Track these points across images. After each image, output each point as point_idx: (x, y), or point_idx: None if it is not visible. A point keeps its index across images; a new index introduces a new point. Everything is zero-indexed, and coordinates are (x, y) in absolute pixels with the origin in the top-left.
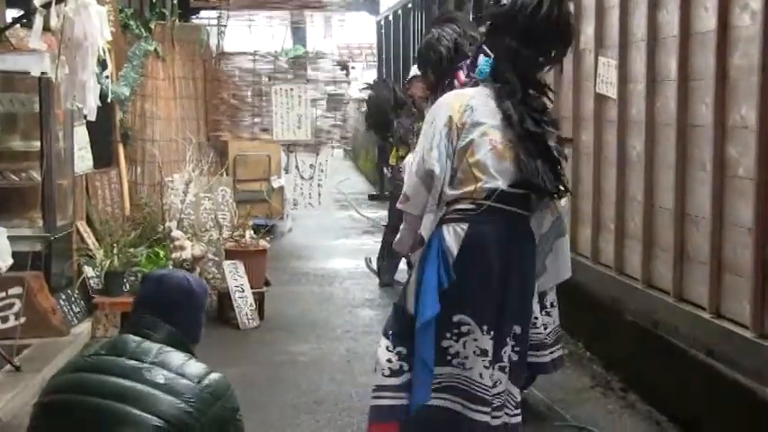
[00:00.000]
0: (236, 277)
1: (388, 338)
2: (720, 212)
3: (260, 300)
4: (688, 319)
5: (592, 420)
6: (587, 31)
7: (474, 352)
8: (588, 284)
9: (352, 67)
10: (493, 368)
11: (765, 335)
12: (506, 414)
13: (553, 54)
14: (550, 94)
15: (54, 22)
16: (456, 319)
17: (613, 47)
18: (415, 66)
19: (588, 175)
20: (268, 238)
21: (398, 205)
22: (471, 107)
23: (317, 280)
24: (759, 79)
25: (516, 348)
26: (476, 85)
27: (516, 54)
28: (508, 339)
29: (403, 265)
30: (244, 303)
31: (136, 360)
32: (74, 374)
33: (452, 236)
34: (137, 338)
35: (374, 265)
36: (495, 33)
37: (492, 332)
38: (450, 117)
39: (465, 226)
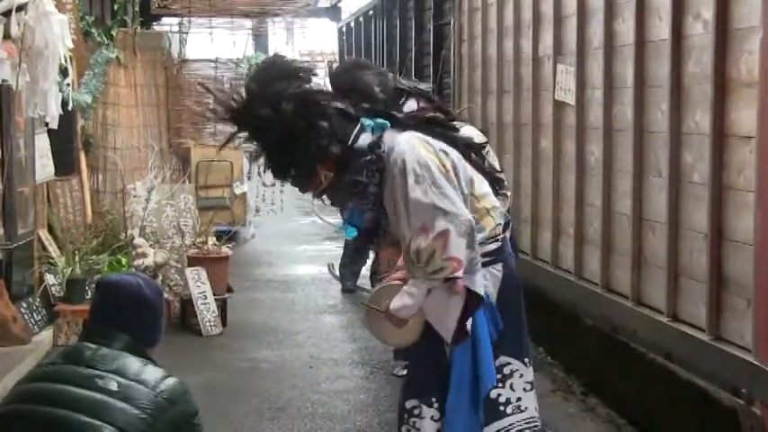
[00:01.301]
0: (198, 284)
1: (432, 407)
2: (676, 218)
3: (223, 306)
4: (646, 323)
5: (552, 424)
6: (546, 38)
7: (524, 389)
8: (549, 289)
9: (314, 74)
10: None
11: (721, 337)
12: None
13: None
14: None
15: (15, 30)
16: (497, 363)
17: (571, 54)
18: None
19: (548, 180)
20: (230, 245)
21: (456, 274)
22: (438, 147)
23: (280, 286)
24: (712, 87)
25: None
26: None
27: (369, 99)
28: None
29: (365, 270)
30: (206, 310)
31: (91, 368)
32: (29, 384)
33: (491, 281)
34: (93, 346)
35: (336, 271)
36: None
37: (529, 359)
38: (438, 167)
39: (500, 266)
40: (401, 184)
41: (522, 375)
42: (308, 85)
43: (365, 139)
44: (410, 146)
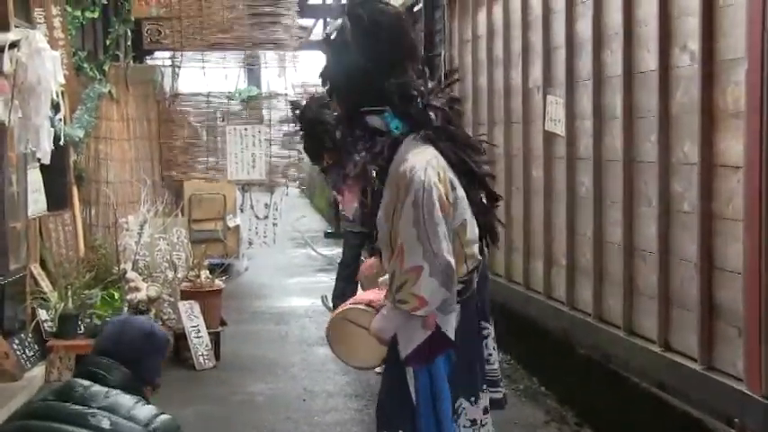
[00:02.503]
0: (191, 317)
1: None
2: (667, 247)
3: (216, 340)
4: (638, 353)
5: None
6: (535, 70)
7: (464, 426)
8: (541, 319)
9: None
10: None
11: (713, 367)
12: None
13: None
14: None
15: (7, 67)
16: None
17: (560, 85)
18: None
19: (539, 210)
20: (224, 278)
21: (416, 312)
22: (449, 178)
23: (274, 318)
24: (699, 117)
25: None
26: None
27: (408, 87)
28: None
29: None
30: (200, 343)
31: (82, 405)
32: (20, 422)
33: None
34: (85, 383)
35: (330, 303)
36: (371, 83)
37: (476, 397)
38: (440, 197)
39: (458, 308)
40: (401, 199)
41: (467, 414)
42: None
43: (375, 122)
44: (424, 165)
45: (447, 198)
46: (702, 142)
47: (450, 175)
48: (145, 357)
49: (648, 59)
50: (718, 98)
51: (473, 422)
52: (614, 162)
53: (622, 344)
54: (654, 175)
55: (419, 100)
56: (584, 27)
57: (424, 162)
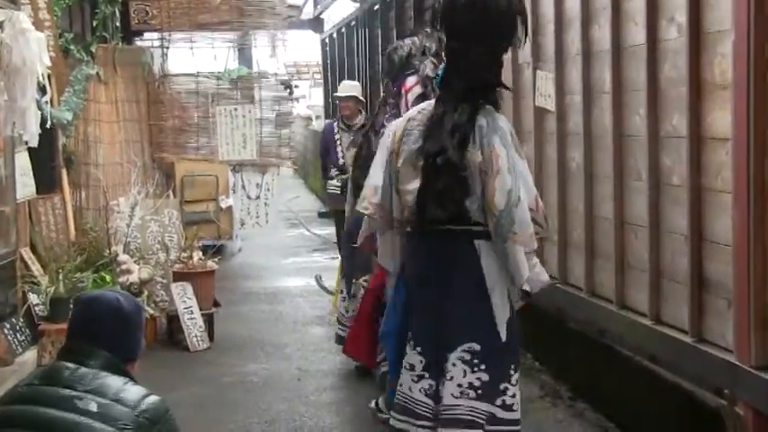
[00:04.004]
0: (184, 299)
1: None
2: (657, 221)
3: (209, 321)
4: (631, 327)
5: (541, 430)
6: (525, 46)
7: (405, 367)
8: (535, 295)
9: (296, 86)
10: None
11: (703, 339)
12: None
13: (501, 46)
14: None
15: None
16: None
17: (550, 61)
18: (344, 84)
19: None
20: (217, 259)
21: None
22: (408, 131)
23: (267, 299)
24: (687, 90)
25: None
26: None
27: (460, 54)
28: (450, 355)
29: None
30: (193, 325)
31: (70, 389)
32: (6, 407)
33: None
34: (71, 365)
35: (324, 283)
36: (446, 38)
37: (419, 347)
38: (389, 146)
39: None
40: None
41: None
42: None
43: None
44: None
45: (394, 147)
46: (691, 115)
47: (415, 125)
48: (120, 337)
49: (636, 33)
50: (705, 70)
51: (411, 366)
52: (604, 137)
53: (615, 318)
54: (643, 149)
55: None
56: (573, 2)
57: (405, 116)
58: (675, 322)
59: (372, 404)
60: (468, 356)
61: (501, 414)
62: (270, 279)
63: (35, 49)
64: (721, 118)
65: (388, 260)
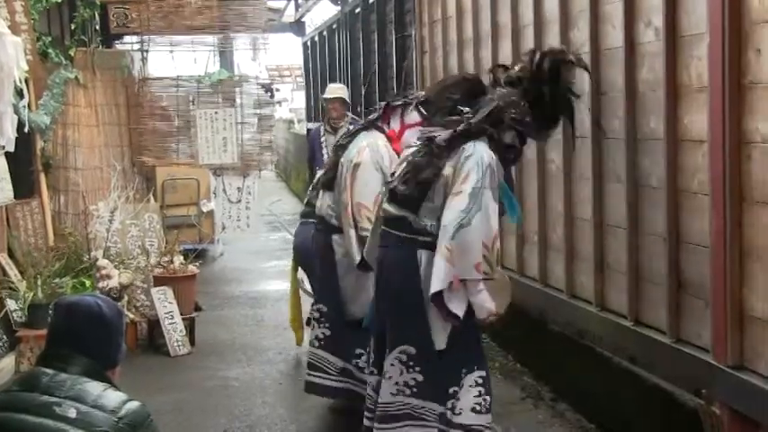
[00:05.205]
0: (165, 304)
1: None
2: (636, 222)
3: (190, 325)
4: (610, 328)
5: (523, 431)
6: (504, 49)
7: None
8: (516, 297)
9: (277, 89)
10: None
11: (681, 339)
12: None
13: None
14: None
15: None
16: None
17: None
18: (331, 86)
19: None
20: (198, 263)
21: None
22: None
23: (249, 303)
24: (664, 93)
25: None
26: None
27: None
28: (388, 355)
29: None
30: (174, 330)
31: (49, 395)
32: None
33: None
34: (50, 371)
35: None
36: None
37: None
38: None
39: None
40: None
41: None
42: None
43: None
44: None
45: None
46: (667, 117)
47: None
48: (100, 343)
49: (614, 36)
50: (682, 73)
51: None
52: (584, 138)
53: (595, 319)
54: (622, 151)
55: None
56: (552, 5)
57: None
58: (654, 323)
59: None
60: (404, 357)
61: (450, 416)
62: (251, 283)
63: (12, 52)
64: (698, 121)
65: (373, 259)
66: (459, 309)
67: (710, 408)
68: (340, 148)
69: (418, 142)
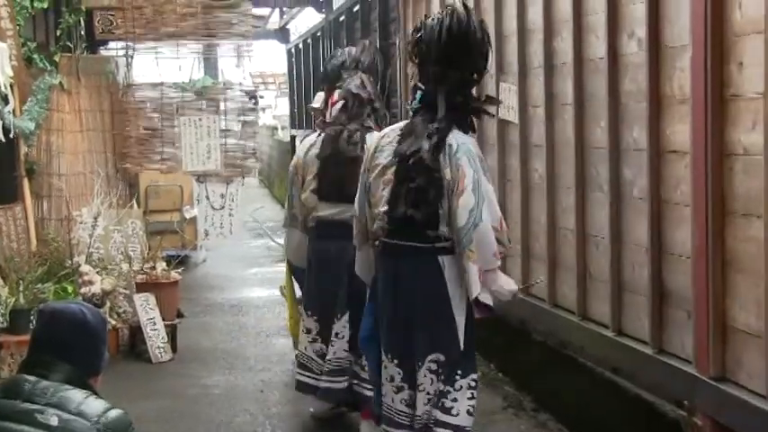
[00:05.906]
0: (147, 310)
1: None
2: (618, 232)
3: (172, 332)
4: (593, 338)
5: None
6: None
7: (386, 379)
8: (498, 306)
9: (261, 97)
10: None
11: (663, 350)
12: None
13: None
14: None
15: None
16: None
17: (513, 73)
18: (319, 95)
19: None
20: (181, 270)
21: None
22: (381, 147)
23: (231, 310)
24: (647, 103)
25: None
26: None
27: (440, 77)
28: (420, 365)
29: None
30: (156, 336)
31: (30, 402)
32: None
33: None
34: (32, 378)
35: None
36: (420, 64)
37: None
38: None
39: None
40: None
41: (386, 367)
42: None
43: None
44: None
45: (367, 164)
46: (650, 128)
47: (387, 142)
48: (83, 351)
49: (598, 46)
50: (664, 84)
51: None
52: (567, 148)
53: (577, 329)
54: (605, 161)
55: None
56: (536, 14)
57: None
58: (636, 334)
59: (311, 409)
60: (434, 366)
61: (439, 416)
62: (234, 290)
63: None
64: (680, 132)
65: (366, 274)
66: (488, 299)
67: (692, 419)
68: None
69: (389, 160)
